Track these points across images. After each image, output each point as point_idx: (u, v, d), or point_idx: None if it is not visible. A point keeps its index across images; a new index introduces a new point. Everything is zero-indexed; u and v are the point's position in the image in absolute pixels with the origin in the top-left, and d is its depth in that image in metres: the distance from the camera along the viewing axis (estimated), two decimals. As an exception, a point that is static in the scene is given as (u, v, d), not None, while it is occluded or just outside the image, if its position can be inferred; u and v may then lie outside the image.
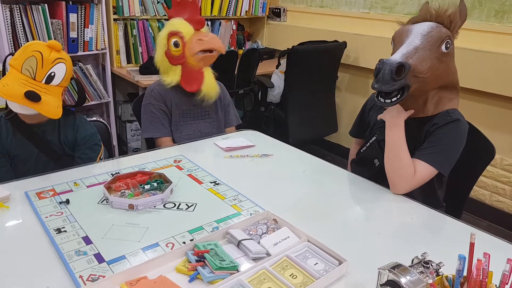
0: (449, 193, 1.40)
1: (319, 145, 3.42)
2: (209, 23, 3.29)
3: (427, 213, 1.17)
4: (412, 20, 1.23)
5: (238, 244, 0.93)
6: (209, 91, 1.65)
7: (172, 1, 1.66)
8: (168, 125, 1.68)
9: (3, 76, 1.25)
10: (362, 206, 1.23)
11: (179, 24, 1.59)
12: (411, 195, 1.23)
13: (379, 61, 1.11)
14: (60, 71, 1.26)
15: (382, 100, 1.15)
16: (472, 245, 0.76)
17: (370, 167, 1.40)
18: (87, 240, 0.95)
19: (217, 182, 1.26)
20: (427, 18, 1.19)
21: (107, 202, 1.11)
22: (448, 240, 1.05)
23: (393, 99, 1.13)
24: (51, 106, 1.22)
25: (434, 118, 1.26)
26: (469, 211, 2.29)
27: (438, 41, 1.14)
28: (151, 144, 1.74)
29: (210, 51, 1.60)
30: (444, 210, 1.29)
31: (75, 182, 1.21)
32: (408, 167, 1.21)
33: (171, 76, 1.63)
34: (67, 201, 1.10)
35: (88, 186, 1.20)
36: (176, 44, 1.57)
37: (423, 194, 1.27)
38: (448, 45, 1.16)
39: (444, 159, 1.22)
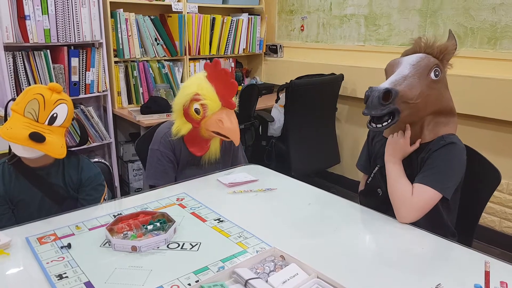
0: (458, 221, 1.37)
1: (323, 177, 3.40)
2: (208, 61, 3.36)
3: (437, 242, 1.14)
4: (404, 53, 1.32)
5: (245, 283, 0.90)
6: (209, 157, 1.63)
7: (215, 61, 1.53)
8: (172, 173, 1.64)
9: (5, 121, 1.26)
10: (370, 237, 1.20)
11: (209, 94, 1.48)
12: (419, 224, 1.21)
13: (369, 88, 1.18)
14: (62, 111, 1.27)
15: (374, 125, 1.21)
16: (487, 274, 0.73)
17: (375, 197, 1.40)
18: (89, 286, 0.91)
19: (221, 219, 1.24)
20: (417, 50, 1.28)
21: (109, 245, 1.08)
22: (462, 269, 1.01)
23: (383, 124, 1.19)
24: (56, 146, 1.23)
25: (429, 145, 1.28)
26: (479, 239, 2.23)
27: (426, 69, 1.21)
28: (153, 184, 1.73)
29: (224, 136, 1.53)
30: (457, 239, 1.26)
31: (76, 225, 1.19)
32: (405, 192, 1.22)
33: (180, 125, 1.57)
34: (69, 246, 1.07)
35: (90, 229, 1.18)
36: (196, 111, 1.51)
37: (431, 223, 1.25)
38: (437, 73, 1.23)
39: (441, 180, 1.21)
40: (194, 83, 1.54)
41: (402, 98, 1.17)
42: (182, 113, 1.55)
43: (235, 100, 1.54)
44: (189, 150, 1.61)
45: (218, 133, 1.53)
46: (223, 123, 1.49)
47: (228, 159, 1.76)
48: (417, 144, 1.29)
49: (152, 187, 1.68)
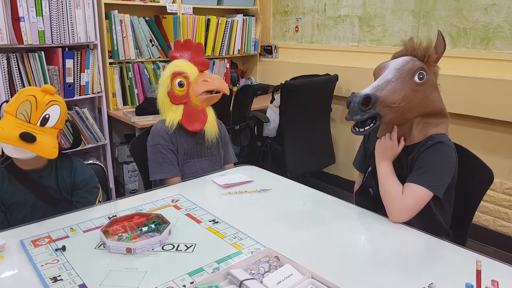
0: (452, 220, 1.38)
1: (318, 177, 3.40)
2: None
3: (431, 242, 1.15)
4: (393, 55, 1.35)
5: (240, 284, 0.91)
6: (211, 130, 1.67)
7: (175, 43, 1.70)
8: (177, 164, 1.67)
9: (-2, 123, 1.25)
10: (365, 237, 1.21)
11: (184, 65, 1.62)
12: (412, 224, 1.22)
13: (351, 94, 1.21)
14: (55, 113, 1.27)
15: (357, 129, 1.24)
16: (478, 273, 0.74)
17: (368, 196, 1.43)
18: (84, 288, 0.92)
19: (216, 221, 1.24)
20: (404, 53, 1.30)
21: (104, 247, 1.08)
22: (454, 268, 1.02)
23: (366, 128, 1.22)
24: (47, 147, 1.22)
25: (419, 145, 1.30)
26: (473, 238, 2.25)
27: (410, 73, 1.24)
28: (149, 185, 1.73)
29: (215, 91, 1.63)
30: (452, 238, 1.27)
31: (71, 228, 1.19)
32: (396, 192, 1.24)
33: (171, 115, 1.64)
34: (63, 248, 1.07)
35: (84, 231, 1.18)
36: (180, 84, 1.60)
37: (425, 223, 1.26)
38: (421, 76, 1.25)
39: (431, 179, 1.23)
40: (167, 68, 1.67)
41: (384, 103, 1.20)
42: (169, 102, 1.64)
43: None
44: (191, 131, 1.65)
45: (208, 92, 1.62)
46: (208, 80, 1.61)
47: (221, 150, 1.79)
48: (403, 143, 1.31)
49: (148, 181, 1.68)
